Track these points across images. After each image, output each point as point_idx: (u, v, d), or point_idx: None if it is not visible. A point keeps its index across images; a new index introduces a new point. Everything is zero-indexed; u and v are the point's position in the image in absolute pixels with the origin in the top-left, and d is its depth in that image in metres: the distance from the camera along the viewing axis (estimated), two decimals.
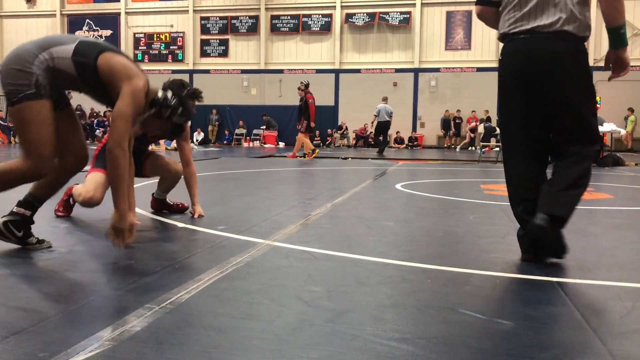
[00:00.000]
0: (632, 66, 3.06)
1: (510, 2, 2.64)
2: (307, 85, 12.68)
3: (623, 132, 17.54)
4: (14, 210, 2.74)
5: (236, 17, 24.65)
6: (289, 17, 24.35)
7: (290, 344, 1.58)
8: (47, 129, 2.55)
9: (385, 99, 16.42)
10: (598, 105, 16.97)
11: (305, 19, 24.12)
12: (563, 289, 2.20)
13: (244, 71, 24.66)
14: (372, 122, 16.58)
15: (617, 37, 2.55)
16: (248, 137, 23.85)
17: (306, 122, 12.49)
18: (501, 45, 2.76)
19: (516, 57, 2.61)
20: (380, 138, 16.20)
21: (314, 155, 12.96)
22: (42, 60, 2.56)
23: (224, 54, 24.92)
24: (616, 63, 2.60)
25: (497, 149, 14.62)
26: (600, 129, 11.29)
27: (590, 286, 2.28)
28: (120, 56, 2.69)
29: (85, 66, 2.60)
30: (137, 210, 4.10)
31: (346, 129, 23.72)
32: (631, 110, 19.65)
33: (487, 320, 1.82)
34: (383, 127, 15.83)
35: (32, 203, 2.78)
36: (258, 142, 23.32)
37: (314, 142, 19.07)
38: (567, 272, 2.52)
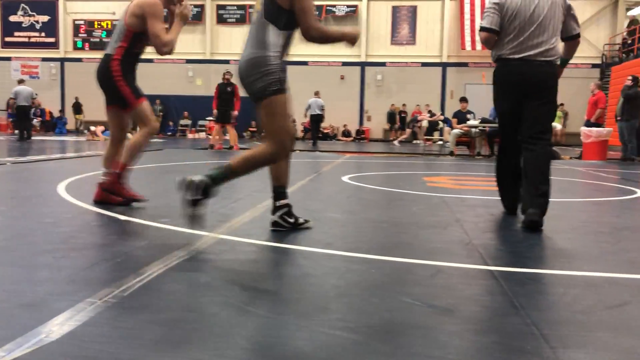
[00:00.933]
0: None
1: (508, 34, 3.66)
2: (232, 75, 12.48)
3: (559, 127, 18.30)
4: (278, 204, 3.15)
5: None
6: (235, 7, 24.05)
7: (235, 336, 1.59)
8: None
9: (317, 93, 16.62)
10: None
11: (252, 10, 23.88)
12: (500, 277, 2.30)
13: (188, 61, 24.18)
14: (305, 116, 16.77)
15: (567, 62, 3.88)
16: (193, 129, 23.47)
17: (234, 113, 12.40)
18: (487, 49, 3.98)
19: (512, 75, 3.69)
20: (319, 135, 16.49)
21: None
22: (275, 55, 2.86)
23: None
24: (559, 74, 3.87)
25: (440, 142, 14.97)
26: None
27: (525, 274, 2.38)
28: None
29: (286, 21, 2.86)
30: (78, 203, 3.98)
31: (294, 121, 23.69)
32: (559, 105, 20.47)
33: (428, 308, 1.88)
34: (315, 120, 16.10)
35: (283, 193, 3.18)
36: (204, 133, 22.94)
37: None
38: (503, 261, 2.63)
